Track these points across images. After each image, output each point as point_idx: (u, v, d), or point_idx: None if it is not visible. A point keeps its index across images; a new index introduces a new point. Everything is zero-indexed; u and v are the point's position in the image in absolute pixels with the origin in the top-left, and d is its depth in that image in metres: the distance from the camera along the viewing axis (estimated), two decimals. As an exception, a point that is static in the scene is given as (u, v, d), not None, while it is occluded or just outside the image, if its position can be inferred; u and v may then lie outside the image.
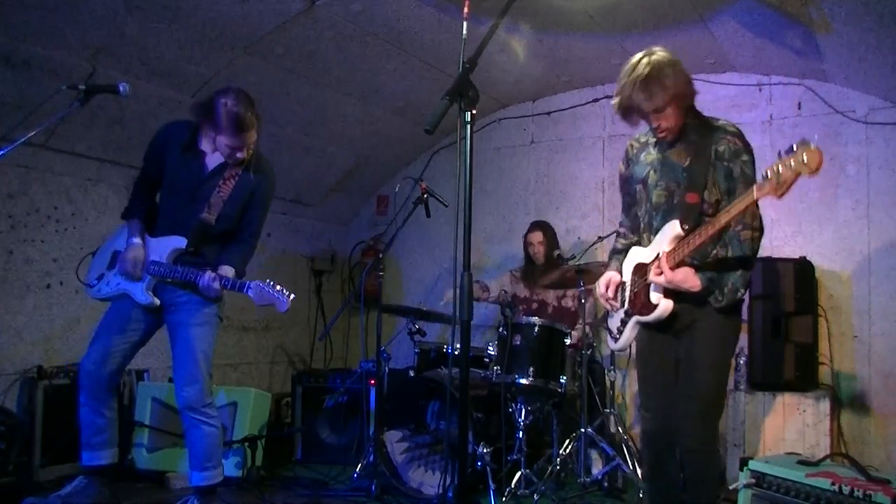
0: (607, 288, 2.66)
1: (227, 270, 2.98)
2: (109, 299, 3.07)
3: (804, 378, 3.85)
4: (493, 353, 3.85)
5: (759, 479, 2.74)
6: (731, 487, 3.65)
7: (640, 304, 2.52)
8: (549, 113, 5.24)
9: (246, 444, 3.79)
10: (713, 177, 2.40)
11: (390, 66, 4.37)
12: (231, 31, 3.73)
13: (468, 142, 2.00)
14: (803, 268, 3.96)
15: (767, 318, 3.87)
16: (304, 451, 4.42)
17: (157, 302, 2.98)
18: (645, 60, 2.34)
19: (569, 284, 4.16)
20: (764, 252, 4.28)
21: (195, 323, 2.99)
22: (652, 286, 2.46)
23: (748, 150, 2.42)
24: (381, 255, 3.87)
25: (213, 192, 2.99)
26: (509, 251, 5.24)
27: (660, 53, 2.36)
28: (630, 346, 2.72)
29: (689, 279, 2.35)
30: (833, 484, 2.47)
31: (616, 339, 2.68)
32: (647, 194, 2.57)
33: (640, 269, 2.55)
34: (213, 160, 3.04)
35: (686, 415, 2.43)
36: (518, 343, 3.69)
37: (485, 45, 2.09)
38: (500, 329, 3.78)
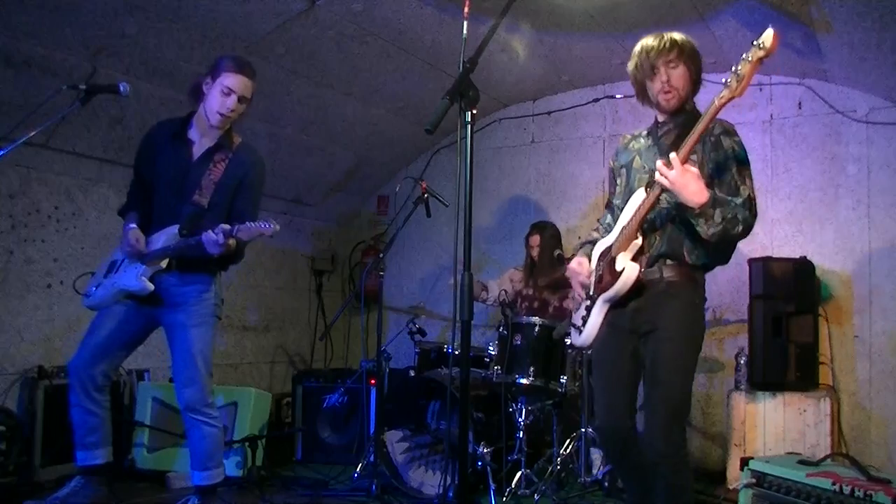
0: (579, 264, 2.59)
1: (224, 225, 2.79)
2: (102, 305, 3.03)
3: (805, 378, 3.84)
4: (493, 352, 3.85)
5: (760, 478, 2.75)
6: (731, 487, 3.67)
7: (606, 282, 2.43)
8: (549, 113, 5.24)
9: (246, 443, 3.79)
10: (700, 150, 2.37)
11: (391, 66, 4.37)
12: (231, 31, 3.73)
13: (468, 142, 2.00)
14: (803, 267, 3.95)
15: (767, 318, 3.86)
16: (305, 451, 4.42)
17: (151, 287, 2.90)
18: (664, 34, 2.44)
19: (569, 285, 4.15)
20: (764, 252, 4.33)
21: (192, 324, 2.96)
22: (616, 260, 2.39)
23: (738, 136, 2.42)
24: (381, 255, 3.88)
25: (203, 175, 2.97)
26: (509, 251, 5.24)
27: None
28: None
29: (701, 184, 2.15)
30: (834, 484, 2.47)
31: (581, 331, 2.56)
32: (627, 178, 2.55)
33: (605, 254, 2.50)
34: (201, 147, 3.03)
35: (653, 423, 2.34)
36: (518, 343, 3.69)
37: (485, 44, 2.09)
38: (501, 329, 3.78)
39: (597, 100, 5.01)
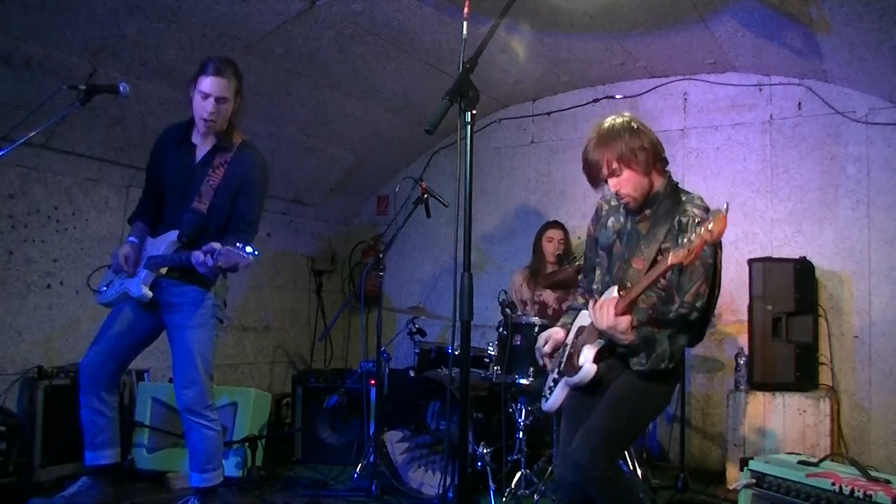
0: (545, 343, 2.58)
1: (214, 244, 2.77)
2: (113, 303, 3.08)
3: (804, 378, 3.85)
4: (493, 353, 3.85)
5: (760, 479, 2.74)
6: (731, 487, 3.67)
7: (570, 366, 2.46)
8: (549, 113, 5.24)
9: (246, 444, 3.79)
10: (665, 234, 2.32)
11: (390, 66, 4.37)
12: (231, 31, 3.73)
13: (468, 142, 2.00)
14: (803, 268, 3.96)
15: (767, 318, 3.87)
16: (305, 452, 4.42)
17: (150, 294, 2.95)
18: (608, 122, 2.44)
19: (569, 285, 4.16)
20: (764, 252, 4.34)
21: (192, 325, 2.97)
22: (581, 350, 2.39)
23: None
24: (381, 255, 3.87)
25: (202, 181, 2.99)
26: (509, 251, 5.24)
27: (623, 117, 2.45)
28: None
29: (627, 331, 2.25)
30: (833, 484, 2.47)
31: (546, 399, 2.59)
32: (608, 264, 2.52)
33: (581, 332, 2.50)
34: (203, 150, 3.05)
35: (579, 445, 2.30)
36: (518, 343, 3.68)
37: (485, 45, 2.09)
38: (501, 329, 3.78)
39: (597, 100, 5.01)
